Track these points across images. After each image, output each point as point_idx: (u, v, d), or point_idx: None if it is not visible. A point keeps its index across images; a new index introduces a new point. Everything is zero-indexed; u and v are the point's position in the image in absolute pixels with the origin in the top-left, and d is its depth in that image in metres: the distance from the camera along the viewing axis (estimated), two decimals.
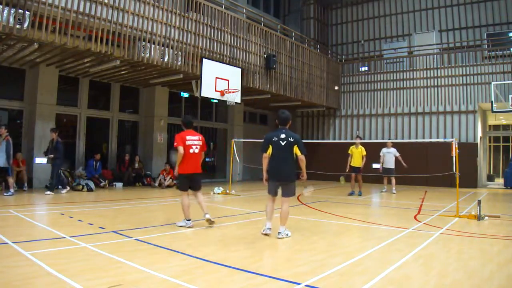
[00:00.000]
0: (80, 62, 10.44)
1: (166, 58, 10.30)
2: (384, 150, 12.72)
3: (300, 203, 9.64)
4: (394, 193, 12.55)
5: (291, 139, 5.37)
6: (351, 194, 11.90)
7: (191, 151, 5.94)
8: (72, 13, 8.32)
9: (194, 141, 6.00)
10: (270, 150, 5.42)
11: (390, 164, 12.54)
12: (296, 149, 5.38)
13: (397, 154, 12.55)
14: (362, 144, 12.18)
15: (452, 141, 8.00)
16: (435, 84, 16.76)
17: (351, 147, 12.07)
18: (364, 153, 11.83)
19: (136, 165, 13.29)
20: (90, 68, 10.92)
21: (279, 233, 5.38)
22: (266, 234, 5.48)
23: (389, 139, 16.90)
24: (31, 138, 11.20)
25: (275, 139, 5.39)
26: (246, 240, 5.34)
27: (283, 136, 5.37)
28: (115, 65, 10.21)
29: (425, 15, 18.73)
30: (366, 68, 19.18)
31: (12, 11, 7.55)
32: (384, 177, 12.90)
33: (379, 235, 5.88)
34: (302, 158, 5.39)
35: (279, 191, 5.53)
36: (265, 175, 5.50)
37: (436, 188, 14.83)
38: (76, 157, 12.59)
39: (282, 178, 5.46)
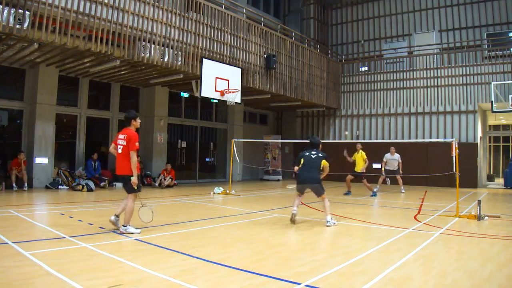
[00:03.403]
0: (80, 62, 10.44)
1: (166, 58, 10.30)
2: (387, 156, 12.69)
3: (301, 203, 9.63)
4: (403, 192, 12.61)
5: (320, 154, 6.86)
6: (346, 194, 11.96)
7: (119, 150, 5.58)
8: (72, 13, 8.32)
9: (119, 140, 5.58)
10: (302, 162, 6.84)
11: (394, 167, 12.61)
12: (324, 162, 6.80)
13: (400, 161, 12.63)
14: (362, 144, 12.18)
15: (452, 141, 8.00)
16: (435, 84, 16.75)
17: (354, 153, 11.96)
18: (364, 157, 11.80)
19: None
20: (90, 68, 10.93)
21: (327, 221, 6.54)
22: (293, 214, 6.66)
23: (389, 139, 16.92)
24: (31, 138, 11.20)
25: (307, 154, 6.87)
26: (246, 240, 5.35)
27: (314, 152, 6.86)
28: (115, 65, 10.21)
29: (425, 15, 18.72)
30: (366, 68, 19.18)
31: (12, 11, 7.54)
32: (380, 177, 12.86)
33: (379, 235, 5.88)
34: (326, 166, 6.84)
35: (311, 193, 7.02)
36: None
37: (436, 188, 14.82)
38: (76, 157, 12.58)
39: (308, 181, 6.76)
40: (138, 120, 5.85)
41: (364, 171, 11.81)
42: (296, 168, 6.96)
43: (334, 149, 17.49)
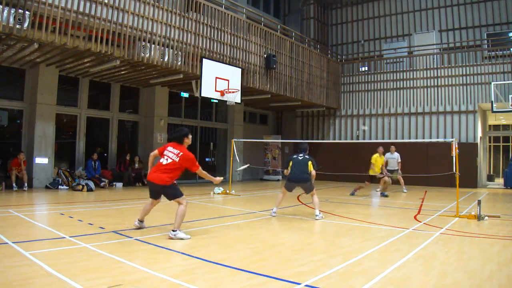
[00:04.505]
0: (80, 62, 10.44)
1: (166, 58, 10.30)
2: (387, 155, 12.64)
3: (300, 203, 9.65)
4: (405, 192, 12.61)
5: (307, 156, 7.55)
6: (384, 195, 11.59)
7: (161, 160, 5.40)
8: (72, 13, 8.32)
9: (169, 152, 5.38)
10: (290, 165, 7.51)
11: (394, 166, 12.57)
12: (310, 164, 7.41)
13: (399, 160, 12.59)
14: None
15: (452, 141, 8.00)
16: (435, 84, 16.75)
17: (374, 155, 11.58)
18: (383, 163, 11.70)
19: (136, 165, 13.30)
20: (90, 68, 10.93)
21: (316, 215, 7.25)
22: (273, 216, 7.43)
23: (389, 139, 16.92)
24: (31, 138, 11.20)
25: (295, 156, 7.62)
26: (246, 240, 5.35)
27: (301, 155, 7.57)
28: (115, 65, 10.21)
29: (425, 15, 18.72)
30: (366, 68, 19.18)
31: (12, 11, 7.54)
32: (381, 178, 12.82)
33: (379, 235, 5.87)
34: (313, 172, 7.40)
35: (300, 190, 7.79)
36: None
37: (436, 188, 14.82)
38: (76, 157, 12.59)
39: (300, 181, 7.40)
40: (190, 137, 5.63)
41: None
42: (286, 171, 7.57)
43: (335, 149, 17.60)
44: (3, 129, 11.69)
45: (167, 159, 5.33)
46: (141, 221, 5.75)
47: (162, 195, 5.52)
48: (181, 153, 5.34)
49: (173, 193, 5.38)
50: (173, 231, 5.16)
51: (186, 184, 14.48)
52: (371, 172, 11.53)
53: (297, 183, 7.49)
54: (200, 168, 5.47)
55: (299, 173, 7.36)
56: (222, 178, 5.87)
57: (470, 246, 5.20)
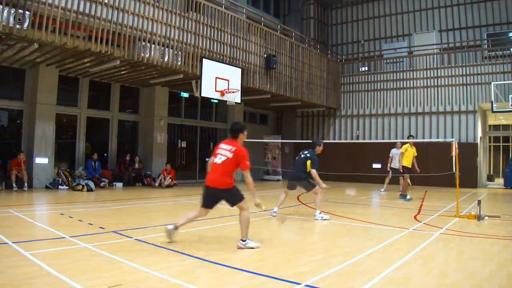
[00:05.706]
0: (80, 62, 10.44)
1: (166, 58, 10.30)
2: (393, 150, 12.48)
3: (300, 203, 9.65)
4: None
5: (308, 155, 7.29)
6: (408, 198, 10.78)
7: (215, 160, 4.87)
8: (72, 13, 8.32)
9: (222, 149, 4.88)
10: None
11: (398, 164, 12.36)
12: (308, 163, 7.16)
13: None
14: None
15: (452, 141, 8.00)
16: (435, 84, 16.75)
17: (405, 145, 10.90)
18: (416, 153, 11.09)
19: (137, 165, 13.30)
20: (90, 68, 10.93)
21: (315, 215, 7.12)
22: (273, 216, 7.30)
23: (389, 139, 16.92)
24: (31, 138, 11.20)
25: (300, 153, 7.51)
26: None
27: (305, 152, 7.39)
28: (115, 65, 10.21)
29: (425, 15, 18.71)
30: (366, 68, 19.18)
31: (12, 11, 7.55)
32: (386, 177, 12.79)
33: (379, 235, 5.87)
34: (312, 172, 7.11)
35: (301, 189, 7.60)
36: None
37: (436, 188, 14.82)
38: (76, 157, 12.59)
39: (295, 178, 7.39)
40: (246, 133, 5.07)
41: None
42: None
43: (334, 149, 17.57)
44: (3, 129, 11.69)
45: (220, 158, 4.79)
46: (176, 228, 4.94)
47: (221, 202, 4.89)
48: (234, 148, 4.80)
49: (236, 198, 4.75)
50: (243, 240, 4.74)
51: (186, 184, 14.49)
52: (404, 163, 10.80)
53: (294, 182, 7.51)
54: (249, 169, 4.75)
55: (296, 171, 7.38)
56: (260, 203, 4.86)
57: (470, 246, 5.20)
